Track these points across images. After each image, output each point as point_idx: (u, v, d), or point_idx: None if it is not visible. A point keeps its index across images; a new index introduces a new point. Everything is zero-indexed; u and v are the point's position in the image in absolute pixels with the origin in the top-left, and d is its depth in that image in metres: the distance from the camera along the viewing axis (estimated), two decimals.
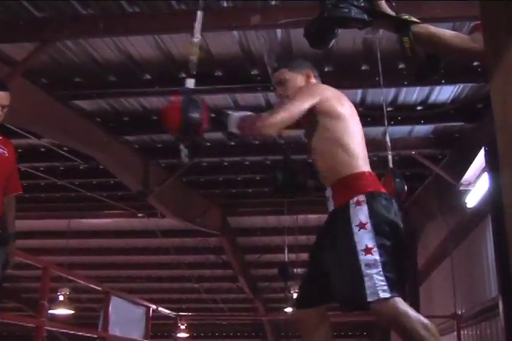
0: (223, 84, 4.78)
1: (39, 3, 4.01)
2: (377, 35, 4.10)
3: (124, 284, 11.16)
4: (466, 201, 5.83)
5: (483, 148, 4.96)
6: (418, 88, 5.00)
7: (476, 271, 5.85)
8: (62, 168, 6.94)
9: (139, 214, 8.06)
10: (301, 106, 2.15)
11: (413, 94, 5.16)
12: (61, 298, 8.98)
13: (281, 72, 2.37)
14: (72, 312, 9.21)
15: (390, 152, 3.88)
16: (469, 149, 5.51)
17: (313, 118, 2.20)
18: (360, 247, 2.01)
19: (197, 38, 2.40)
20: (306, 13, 3.81)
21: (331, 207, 2.19)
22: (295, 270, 7.84)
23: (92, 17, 4.10)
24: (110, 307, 4.97)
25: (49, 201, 7.91)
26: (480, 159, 5.14)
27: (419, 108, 5.38)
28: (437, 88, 5.03)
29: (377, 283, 1.97)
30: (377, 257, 2.00)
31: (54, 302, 8.70)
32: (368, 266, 1.99)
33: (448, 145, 6.03)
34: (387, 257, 2.01)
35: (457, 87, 5.01)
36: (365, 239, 2.02)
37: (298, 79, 2.33)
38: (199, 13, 2.45)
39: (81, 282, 5.23)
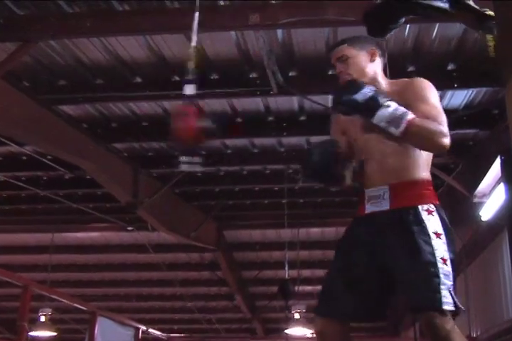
0: (220, 88, 4.77)
1: (21, 0, 4.00)
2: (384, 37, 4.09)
3: (111, 303, 11.11)
4: (481, 214, 5.81)
5: (498, 157, 4.95)
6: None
7: (492, 290, 5.82)
8: (45, 178, 6.91)
9: (129, 228, 8.01)
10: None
11: None
12: (42, 318, 8.90)
13: (341, 49, 2.38)
14: (55, 334, 9.12)
15: None
16: (484, 158, 5.49)
17: None
18: (438, 255, 2.08)
19: (194, 41, 2.43)
20: (309, 11, 3.84)
21: (381, 207, 2.21)
22: (296, 288, 7.80)
23: (79, 15, 4.09)
24: (96, 329, 4.95)
25: (31, 213, 7.86)
26: (495, 169, 5.13)
27: None
28: (449, 92, 5.02)
29: (451, 295, 2.05)
30: (450, 270, 2.09)
31: (34, 324, 8.61)
32: (446, 275, 2.07)
33: (461, 154, 6.00)
34: (455, 273, 2.11)
35: (471, 91, 5.00)
36: (441, 249, 2.10)
37: (361, 56, 2.35)
38: (196, 15, 2.47)
39: (65, 301, 5.19)
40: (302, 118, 5.54)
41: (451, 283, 2.07)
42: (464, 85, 4.78)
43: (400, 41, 4.38)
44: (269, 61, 4.35)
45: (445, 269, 2.07)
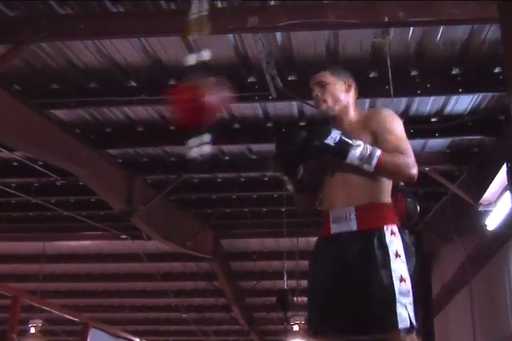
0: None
1: (11, 1, 4.00)
2: (387, 39, 4.10)
3: (104, 314, 11.06)
4: (486, 223, 5.79)
5: (505, 164, 4.94)
6: (432, 98, 4.99)
7: (498, 302, 5.79)
8: (36, 185, 6.89)
9: (122, 236, 8.01)
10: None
11: (427, 104, 5.14)
12: (33, 330, 8.86)
13: (322, 74, 2.58)
14: None
15: None
16: (490, 165, 5.48)
17: (371, 142, 2.41)
18: (395, 275, 2.29)
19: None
20: (309, 14, 3.84)
21: (348, 227, 2.38)
22: (295, 298, 7.78)
23: (72, 17, 4.09)
24: None
25: (21, 221, 7.83)
26: (501, 176, 5.12)
27: (433, 120, 5.36)
28: (454, 98, 5.01)
29: (408, 312, 2.25)
30: (409, 288, 2.29)
31: (24, 336, 8.57)
32: (402, 294, 2.27)
33: (466, 161, 6.00)
34: (414, 290, 2.31)
35: (476, 96, 4.99)
36: (400, 268, 2.31)
37: (339, 85, 2.56)
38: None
39: (56, 312, 5.16)
40: (302, 123, 5.53)
41: (410, 299, 2.29)
42: (468, 90, 4.78)
43: (403, 45, 4.38)
44: (267, 65, 4.34)
45: (403, 287, 2.28)
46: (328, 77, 2.55)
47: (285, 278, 7.78)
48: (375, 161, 2.30)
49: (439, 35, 4.26)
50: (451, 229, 6.65)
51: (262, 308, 10.76)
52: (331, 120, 2.55)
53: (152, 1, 3.96)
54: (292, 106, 5.28)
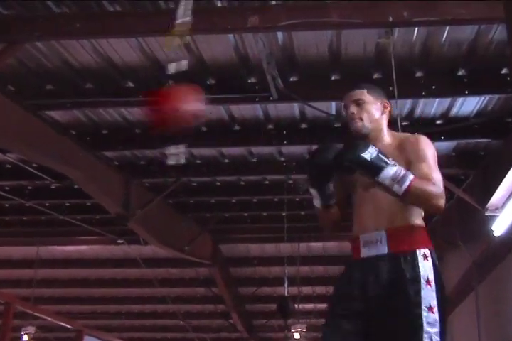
0: (216, 94, 4.76)
1: (7, 0, 4.00)
2: (391, 39, 4.10)
3: (99, 321, 11.06)
4: (493, 228, 5.78)
5: None
6: (438, 100, 4.99)
7: (505, 309, 5.78)
8: (30, 188, 6.89)
9: (119, 241, 7.98)
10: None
11: (432, 106, 5.15)
12: (25, 337, 8.87)
13: (360, 92, 2.58)
14: None
15: None
16: (496, 169, 5.47)
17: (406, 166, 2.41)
18: (424, 304, 2.27)
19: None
20: (311, 13, 3.84)
21: (378, 251, 2.38)
22: (296, 305, 7.77)
23: (67, 16, 4.09)
24: None
25: (15, 225, 7.82)
26: (509, 180, 5.10)
27: (438, 122, 5.36)
28: (460, 99, 5.01)
29: None
30: (437, 317, 2.27)
31: None
32: (429, 324, 2.25)
33: (472, 165, 5.99)
34: (444, 319, 2.29)
35: (483, 98, 4.99)
36: (429, 296, 2.29)
37: (375, 105, 2.57)
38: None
39: (49, 319, 5.15)
40: (303, 125, 5.54)
41: (437, 329, 2.26)
42: (475, 92, 4.78)
43: (407, 45, 4.38)
44: (268, 65, 4.34)
45: (431, 317, 2.26)
46: (366, 96, 2.56)
47: (286, 284, 7.76)
48: (406, 184, 2.28)
49: (444, 36, 4.26)
50: (457, 234, 6.64)
51: (261, 315, 10.75)
52: (363, 139, 2.52)
53: (150, 1, 3.97)
54: (294, 108, 5.28)
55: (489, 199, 5.59)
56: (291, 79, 4.74)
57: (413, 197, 2.31)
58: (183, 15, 3.11)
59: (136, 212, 6.52)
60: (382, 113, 2.58)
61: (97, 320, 11.05)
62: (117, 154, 6.23)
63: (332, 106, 5.17)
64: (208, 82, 4.79)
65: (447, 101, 5.05)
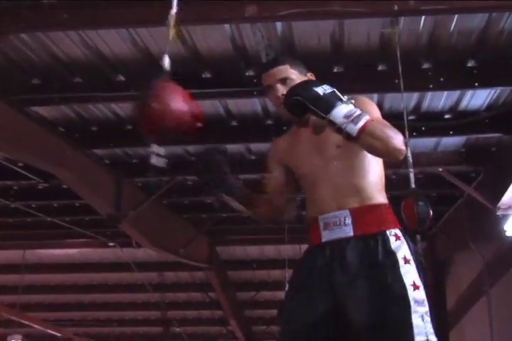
0: (212, 88, 4.76)
1: None
2: (396, 29, 4.10)
3: (90, 328, 11.06)
4: (505, 228, 5.79)
5: None
6: (446, 92, 4.99)
7: None
8: (16, 188, 6.88)
9: (110, 244, 8.01)
10: None
11: (440, 99, 5.15)
12: None
13: (283, 69, 2.45)
14: None
15: (411, 169, 3.86)
16: (509, 166, 5.48)
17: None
18: (407, 281, 2.19)
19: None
20: (312, 2, 3.84)
21: (344, 233, 2.28)
22: None
23: (54, 6, 4.07)
24: None
25: (0, 227, 7.83)
26: None
27: (447, 116, 5.36)
28: (469, 92, 5.01)
29: (425, 324, 2.15)
30: (424, 297, 2.19)
31: None
32: (417, 302, 2.16)
33: (482, 161, 5.99)
34: (428, 300, 2.19)
35: (494, 90, 4.99)
36: (411, 274, 2.21)
37: (302, 79, 2.40)
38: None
39: (36, 326, 5.15)
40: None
41: (426, 309, 2.18)
42: (485, 84, 4.77)
43: (413, 35, 4.38)
44: (267, 57, 4.34)
45: (417, 296, 2.18)
46: (290, 73, 2.44)
47: (286, 288, 7.75)
48: (361, 123, 2.13)
49: (453, 25, 4.26)
50: (467, 234, 6.65)
51: (261, 321, 10.76)
52: (305, 122, 2.45)
53: None
54: None
55: (501, 198, 5.60)
56: None
57: (369, 137, 2.15)
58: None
59: (129, 213, 6.51)
60: None
61: (87, 328, 11.06)
62: (108, 152, 6.21)
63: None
64: (203, 76, 4.79)
65: (456, 94, 5.05)
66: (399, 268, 2.20)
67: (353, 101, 2.20)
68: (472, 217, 6.50)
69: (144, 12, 4.00)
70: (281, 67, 2.46)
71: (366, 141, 2.17)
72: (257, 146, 6.05)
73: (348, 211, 2.29)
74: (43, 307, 10.49)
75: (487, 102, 5.19)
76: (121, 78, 4.91)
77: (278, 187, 2.61)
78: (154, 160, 2.37)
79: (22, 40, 4.52)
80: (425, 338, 2.13)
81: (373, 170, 2.36)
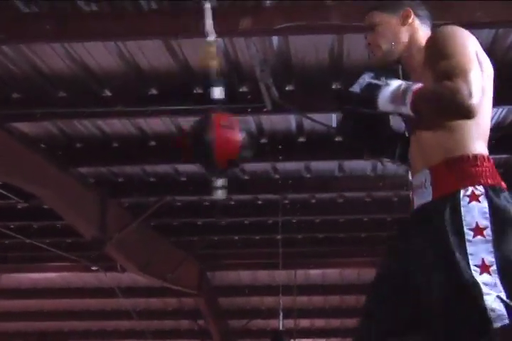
0: (204, 104, 4.74)
1: None
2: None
3: None
4: None
5: None
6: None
7: None
8: None
9: (93, 268, 7.97)
10: (475, 59, 2.06)
11: None
12: None
13: (370, 16, 2.36)
14: None
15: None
16: None
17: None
18: (474, 262, 1.86)
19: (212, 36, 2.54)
20: (310, 15, 3.84)
21: (424, 198, 2.05)
22: (292, 340, 7.74)
23: (38, 17, 4.06)
24: None
25: None
26: None
27: None
28: None
29: (501, 306, 1.81)
30: (497, 280, 1.84)
31: None
32: (487, 285, 1.82)
33: None
34: (506, 280, 1.84)
35: (500, 109, 5.02)
36: (481, 250, 1.87)
37: (391, 21, 2.30)
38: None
39: None
40: (301, 139, 5.54)
41: (501, 292, 1.82)
42: (493, 102, 4.77)
43: None
44: (262, 73, 4.34)
45: (486, 279, 1.83)
46: (376, 17, 2.32)
47: (281, 316, 7.71)
48: (409, 99, 1.98)
49: None
50: None
51: None
52: (400, 66, 2.29)
53: (131, 0, 3.96)
54: (290, 120, 5.28)
55: None
56: (287, 88, 4.73)
57: (423, 105, 1.99)
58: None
59: (114, 236, 6.52)
60: (403, 24, 2.27)
61: None
62: (93, 170, 6.21)
63: (333, 118, 5.17)
64: (194, 91, 4.79)
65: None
66: (464, 243, 1.88)
67: (393, 81, 2.06)
68: None
69: (132, 24, 4.00)
70: (370, 14, 2.36)
71: (422, 111, 2.00)
72: (250, 166, 6.04)
73: (428, 170, 2.05)
74: (20, 336, 10.42)
75: (493, 122, 5.18)
76: (108, 93, 4.90)
77: None
78: (219, 195, 2.43)
79: (3, 52, 4.50)
80: (505, 322, 1.80)
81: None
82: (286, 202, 6.69)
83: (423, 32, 2.29)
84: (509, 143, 5.35)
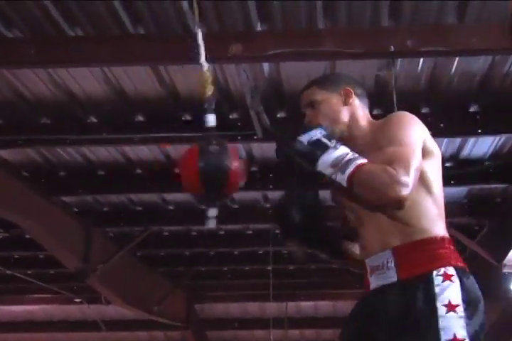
0: (191, 132, 4.73)
1: None
2: (393, 71, 4.12)
3: None
4: None
5: None
6: (446, 140, 5.00)
7: None
8: None
9: (77, 300, 7.96)
10: (418, 150, 2.14)
11: (440, 146, 5.03)
12: None
13: (310, 92, 2.40)
14: None
15: None
16: None
17: None
18: (445, 337, 1.97)
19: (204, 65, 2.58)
20: (302, 41, 3.84)
21: (386, 279, 2.13)
22: None
23: (20, 41, 4.05)
24: None
25: None
26: None
27: (448, 165, 5.35)
28: (472, 139, 5.02)
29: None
30: None
31: None
32: None
33: (487, 214, 6.00)
34: None
35: (498, 138, 5.01)
36: (454, 325, 1.98)
37: (332, 99, 2.35)
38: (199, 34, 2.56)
39: None
40: None
41: None
42: (489, 131, 4.78)
43: (412, 77, 4.40)
44: (252, 100, 4.34)
45: None
46: (317, 94, 2.36)
47: None
48: (350, 169, 2.03)
49: (454, 67, 4.28)
50: None
51: None
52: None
53: (117, 23, 3.95)
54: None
55: (507, 254, 5.58)
56: (278, 116, 4.74)
57: (359, 185, 2.03)
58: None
59: (98, 267, 6.47)
60: (345, 103, 2.34)
61: None
62: (77, 199, 6.18)
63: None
64: (182, 118, 4.78)
65: (457, 141, 5.06)
66: (436, 318, 1.99)
67: (342, 147, 2.12)
68: (475, 274, 6.45)
69: (118, 48, 3.99)
70: (308, 90, 2.40)
71: (357, 191, 2.06)
72: (240, 195, 5.98)
73: (390, 251, 2.13)
74: None
75: (491, 150, 5.20)
76: (93, 119, 4.89)
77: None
78: (211, 224, 2.44)
79: None
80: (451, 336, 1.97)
81: (422, 197, 2.15)
82: (277, 231, 6.64)
83: (362, 111, 2.37)
84: (506, 173, 5.35)
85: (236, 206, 6.26)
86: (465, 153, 5.23)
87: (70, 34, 4.05)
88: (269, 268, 7.00)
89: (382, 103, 4.57)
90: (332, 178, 2.07)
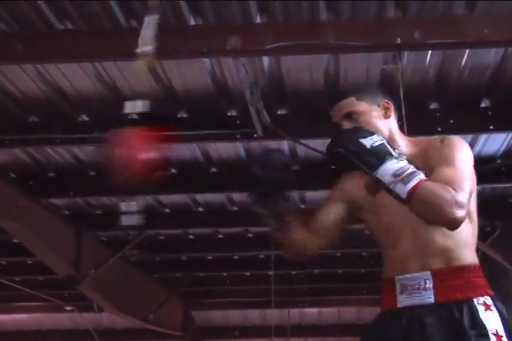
0: (189, 130, 4.75)
1: None
2: (399, 65, 4.13)
3: None
4: None
5: None
6: (456, 136, 4.99)
7: None
8: None
9: (68, 308, 7.96)
10: (473, 176, 2.29)
11: None
12: None
13: (348, 103, 2.45)
14: None
15: None
16: None
17: None
18: None
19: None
20: (303, 34, 3.85)
21: (421, 299, 2.24)
22: None
23: (8, 36, 4.05)
24: None
25: None
26: None
27: None
28: (483, 136, 5.04)
29: None
30: None
31: None
32: None
33: (499, 214, 6.01)
34: None
35: (511, 134, 5.04)
36: None
37: (372, 112, 2.43)
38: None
39: None
40: (294, 167, 5.53)
41: None
42: (501, 127, 4.79)
43: (419, 71, 4.41)
44: (252, 96, 4.34)
45: None
46: (356, 105, 2.43)
47: None
48: (412, 183, 2.06)
49: (463, 60, 4.29)
50: None
51: None
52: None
53: (108, 18, 3.96)
54: (282, 147, 5.26)
55: None
56: (279, 113, 4.75)
57: (420, 200, 2.08)
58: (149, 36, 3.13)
59: (89, 273, 6.48)
60: (386, 117, 2.45)
61: None
62: (67, 202, 6.21)
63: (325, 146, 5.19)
64: (179, 115, 4.78)
65: (468, 138, 5.06)
66: None
67: (404, 159, 2.15)
68: (489, 277, 6.46)
69: (110, 44, 3.99)
70: (346, 101, 2.45)
71: (415, 206, 2.11)
72: (239, 196, 6.03)
73: (429, 273, 2.25)
74: None
75: (503, 148, 5.22)
76: (85, 118, 4.90)
77: (327, 224, 2.54)
78: (125, 221, 2.41)
79: None
80: None
81: (465, 224, 2.22)
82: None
83: (396, 125, 2.49)
84: None
85: (235, 208, 6.27)
86: (476, 150, 5.23)
87: (60, 28, 4.06)
88: (271, 273, 7.00)
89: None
90: (390, 187, 2.10)
